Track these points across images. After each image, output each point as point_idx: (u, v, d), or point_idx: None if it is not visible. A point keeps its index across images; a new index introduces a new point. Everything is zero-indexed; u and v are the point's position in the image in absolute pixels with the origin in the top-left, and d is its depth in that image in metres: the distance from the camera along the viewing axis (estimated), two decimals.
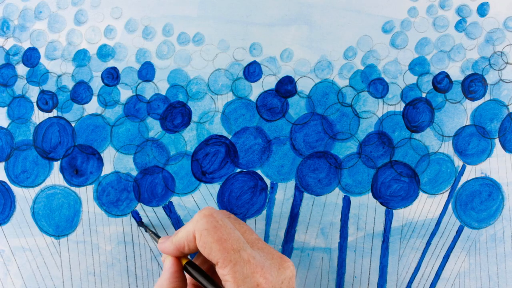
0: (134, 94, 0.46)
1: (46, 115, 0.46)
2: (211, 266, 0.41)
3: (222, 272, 0.35)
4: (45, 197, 0.46)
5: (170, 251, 0.38)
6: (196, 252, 0.42)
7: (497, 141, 0.47)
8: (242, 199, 0.46)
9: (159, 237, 0.42)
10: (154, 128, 0.46)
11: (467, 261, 0.47)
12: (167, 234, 0.46)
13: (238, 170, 0.46)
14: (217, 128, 0.46)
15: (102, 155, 0.46)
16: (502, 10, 0.47)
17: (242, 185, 0.46)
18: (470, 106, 0.47)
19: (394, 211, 0.47)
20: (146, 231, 0.46)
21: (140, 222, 0.46)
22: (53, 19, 0.46)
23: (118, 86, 0.46)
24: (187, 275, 0.39)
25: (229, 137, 0.46)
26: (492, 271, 0.47)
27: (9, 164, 0.45)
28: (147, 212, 0.46)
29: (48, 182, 0.46)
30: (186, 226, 0.37)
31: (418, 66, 0.47)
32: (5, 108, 0.46)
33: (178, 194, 0.46)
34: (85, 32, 0.46)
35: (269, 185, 0.47)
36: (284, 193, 0.47)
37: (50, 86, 0.46)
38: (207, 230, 0.36)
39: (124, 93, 0.46)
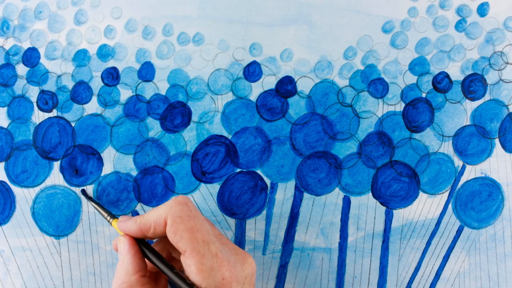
0: (134, 94, 0.46)
1: (46, 115, 0.46)
2: (168, 254, 0.40)
3: (189, 262, 0.34)
4: (45, 197, 0.46)
5: (131, 231, 0.37)
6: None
7: (497, 141, 0.47)
8: (242, 199, 0.46)
9: (111, 214, 0.41)
10: (154, 128, 0.46)
11: (467, 261, 0.47)
12: None
13: (238, 170, 0.46)
14: (217, 128, 0.46)
15: (102, 155, 0.46)
16: (502, 10, 0.47)
17: (242, 185, 0.46)
18: (470, 106, 0.47)
19: (394, 211, 0.47)
20: (89, 201, 0.45)
21: (83, 191, 0.45)
22: (53, 19, 0.46)
23: (118, 86, 0.46)
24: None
25: (229, 137, 0.46)
26: (492, 271, 0.47)
27: (9, 164, 0.45)
28: None
29: (48, 182, 0.46)
30: (156, 209, 0.36)
31: (418, 66, 0.47)
32: (5, 108, 0.46)
33: (178, 194, 0.46)
34: (85, 32, 0.46)
35: (269, 185, 0.47)
36: (284, 193, 0.47)
37: (50, 86, 0.46)
38: (180, 218, 0.35)
39: (124, 93, 0.46)
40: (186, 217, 0.35)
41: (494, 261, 0.47)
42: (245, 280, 0.37)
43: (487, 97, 0.47)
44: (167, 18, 0.46)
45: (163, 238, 0.40)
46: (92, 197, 0.45)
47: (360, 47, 0.46)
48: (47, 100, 0.46)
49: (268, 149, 0.46)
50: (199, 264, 0.34)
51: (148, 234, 0.37)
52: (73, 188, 0.46)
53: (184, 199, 0.37)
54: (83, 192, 0.45)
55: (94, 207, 0.44)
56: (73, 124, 0.46)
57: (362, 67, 0.46)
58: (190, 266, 0.34)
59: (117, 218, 0.41)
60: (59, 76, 0.46)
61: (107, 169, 0.46)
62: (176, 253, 0.40)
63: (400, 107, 0.47)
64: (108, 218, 0.41)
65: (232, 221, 0.46)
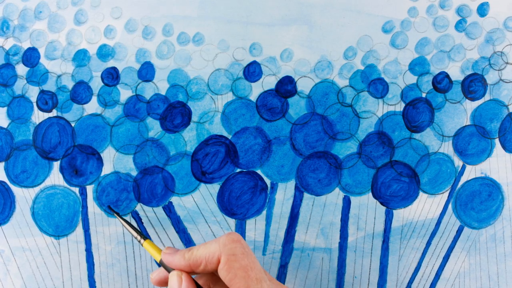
0: (134, 94, 0.46)
1: (46, 115, 0.46)
2: None
3: None
4: (45, 197, 0.46)
5: (180, 266, 0.37)
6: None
7: (497, 141, 0.47)
8: (242, 199, 0.46)
9: (141, 234, 0.41)
10: (154, 128, 0.46)
11: (467, 261, 0.47)
12: (167, 235, 0.46)
13: (238, 170, 0.46)
14: (217, 128, 0.46)
15: (102, 155, 0.46)
16: (502, 10, 0.47)
17: (242, 185, 0.46)
18: (470, 106, 0.47)
19: (394, 211, 0.47)
20: (119, 218, 0.44)
21: (110, 208, 0.45)
22: (53, 19, 0.46)
23: (118, 86, 0.46)
24: None
25: (229, 137, 0.46)
26: (492, 271, 0.47)
27: (9, 164, 0.45)
28: (147, 212, 0.46)
29: (48, 182, 0.45)
30: (207, 246, 0.36)
31: (418, 66, 0.47)
32: (5, 108, 0.46)
33: (178, 194, 0.46)
34: (85, 32, 0.46)
35: (269, 185, 0.46)
36: (284, 193, 0.46)
37: (50, 86, 0.46)
38: (235, 256, 0.35)
39: (124, 93, 0.46)
40: (240, 255, 0.35)
41: (494, 261, 0.47)
42: None
43: (487, 97, 0.47)
44: (167, 18, 0.46)
45: (209, 275, 0.40)
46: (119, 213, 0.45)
47: (360, 47, 0.46)
48: (47, 100, 0.46)
49: (268, 149, 0.46)
50: None
51: (198, 270, 0.37)
52: (73, 188, 0.46)
53: (237, 236, 0.36)
54: (110, 208, 0.45)
55: (124, 225, 0.42)
56: (73, 124, 0.46)
57: (362, 67, 0.46)
58: None
59: (148, 238, 0.40)
60: (59, 76, 0.46)
61: (107, 169, 0.46)
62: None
63: (400, 107, 0.47)
64: (139, 238, 0.40)
65: (232, 221, 0.46)
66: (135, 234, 0.41)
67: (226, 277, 0.35)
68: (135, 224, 0.46)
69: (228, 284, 0.35)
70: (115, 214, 0.44)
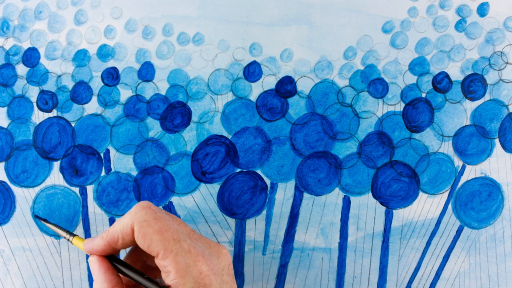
0: (134, 94, 0.46)
1: (46, 115, 0.46)
2: (143, 265, 0.40)
3: (164, 263, 0.34)
4: (45, 197, 0.46)
5: (100, 248, 0.37)
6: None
7: (497, 141, 0.47)
8: (242, 199, 0.46)
9: (70, 232, 0.41)
10: (154, 128, 0.46)
11: (467, 261, 0.47)
12: None
13: (238, 170, 0.46)
14: (217, 128, 0.46)
15: (102, 155, 0.46)
16: (502, 10, 0.47)
17: (242, 185, 0.46)
18: (470, 106, 0.47)
19: (394, 211, 0.47)
20: (45, 222, 0.43)
21: (36, 216, 0.45)
22: (53, 19, 0.46)
23: (118, 86, 0.46)
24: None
25: (229, 137, 0.46)
26: (492, 271, 0.47)
27: (9, 164, 0.45)
28: None
29: (48, 182, 0.46)
30: (120, 219, 0.36)
31: (418, 66, 0.47)
32: (5, 108, 0.46)
33: (178, 194, 0.46)
34: (85, 32, 0.46)
35: (269, 185, 0.47)
36: (284, 193, 0.47)
37: (50, 86, 0.46)
38: (147, 222, 0.35)
39: (124, 93, 0.46)
40: (152, 219, 0.35)
41: (494, 261, 0.47)
42: (223, 271, 0.37)
43: (487, 97, 0.47)
44: (167, 18, 0.46)
45: (134, 249, 0.40)
46: (47, 219, 0.44)
47: (360, 47, 0.46)
48: (47, 100, 0.46)
49: (268, 149, 0.46)
50: (174, 262, 0.34)
51: (117, 246, 0.36)
52: (73, 188, 0.46)
53: (147, 203, 0.37)
54: (37, 216, 0.45)
55: (52, 229, 0.42)
56: (73, 124, 0.46)
57: (362, 67, 0.46)
58: (166, 266, 0.34)
59: (77, 235, 0.40)
60: (59, 76, 0.46)
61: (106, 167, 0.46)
62: (151, 261, 0.40)
63: (400, 107, 0.47)
64: (68, 236, 0.40)
65: (232, 221, 0.46)
66: (63, 234, 0.41)
67: (144, 244, 0.35)
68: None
69: (148, 251, 0.35)
70: (43, 221, 0.43)
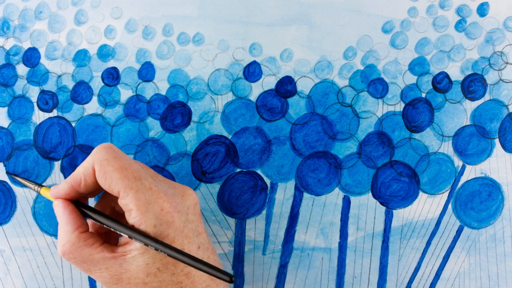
0: (134, 94, 0.46)
1: (47, 115, 0.46)
2: (112, 211, 0.40)
3: (124, 201, 0.34)
4: None
5: (64, 192, 0.37)
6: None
7: (497, 141, 0.47)
8: (242, 199, 0.46)
9: (37, 184, 0.41)
10: (154, 128, 0.46)
11: (467, 261, 0.47)
12: None
13: (238, 170, 0.46)
14: (217, 128, 0.46)
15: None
16: (502, 10, 0.47)
17: (242, 185, 0.46)
18: (470, 106, 0.47)
19: (394, 211, 0.47)
20: (16, 179, 0.44)
21: (7, 173, 0.45)
22: (53, 19, 0.46)
23: (118, 86, 0.46)
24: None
25: (229, 137, 0.46)
26: (492, 271, 0.47)
27: (10, 164, 0.45)
28: None
29: (49, 182, 0.46)
30: (83, 162, 0.36)
31: (418, 66, 0.47)
32: (6, 108, 0.46)
33: None
34: (85, 32, 0.46)
35: (269, 185, 0.47)
36: (284, 193, 0.47)
37: (50, 86, 0.46)
38: (107, 160, 0.35)
39: (124, 93, 0.46)
40: (112, 158, 0.35)
41: (494, 261, 0.47)
42: (188, 210, 0.37)
43: (487, 97, 0.47)
44: (167, 18, 0.46)
45: (103, 196, 0.40)
46: (17, 174, 0.45)
47: (360, 47, 0.46)
48: (47, 100, 0.46)
49: (268, 149, 0.46)
50: (135, 199, 0.34)
51: (80, 188, 0.36)
52: None
53: (108, 144, 0.37)
54: (8, 172, 0.45)
55: (22, 182, 0.43)
56: (73, 124, 0.46)
57: (362, 67, 0.46)
58: (127, 204, 0.34)
59: (45, 186, 0.41)
60: (59, 76, 0.46)
61: None
62: (119, 207, 0.40)
63: (400, 107, 0.47)
64: (36, 187, 0.41)
65: (232, 221, 0.47)
66: (31, 186, 0.42)
67: (105, 183, 0.35)
68: None
69: (109, 191, 0.35)
70: (13, 176, 0.44)
